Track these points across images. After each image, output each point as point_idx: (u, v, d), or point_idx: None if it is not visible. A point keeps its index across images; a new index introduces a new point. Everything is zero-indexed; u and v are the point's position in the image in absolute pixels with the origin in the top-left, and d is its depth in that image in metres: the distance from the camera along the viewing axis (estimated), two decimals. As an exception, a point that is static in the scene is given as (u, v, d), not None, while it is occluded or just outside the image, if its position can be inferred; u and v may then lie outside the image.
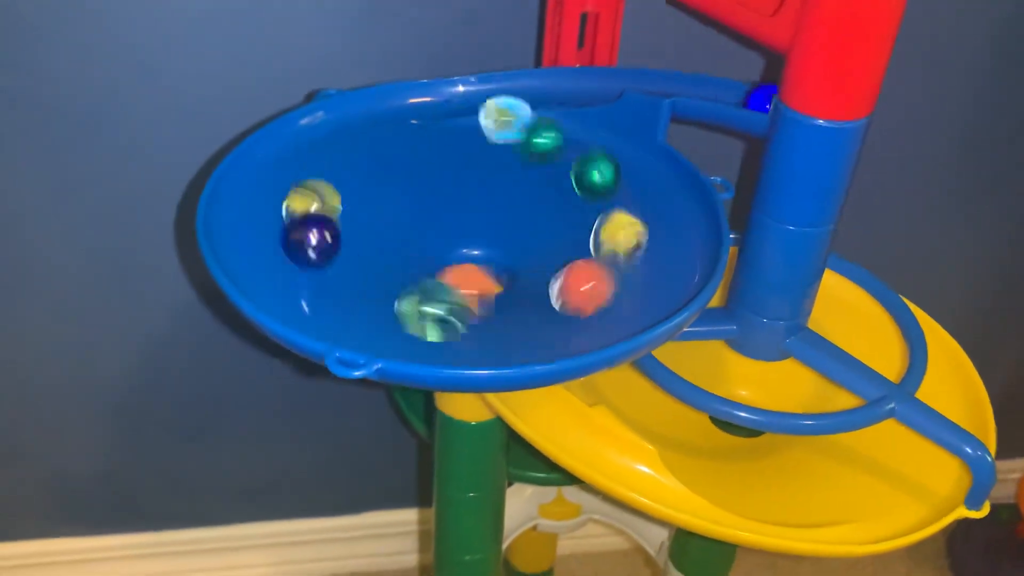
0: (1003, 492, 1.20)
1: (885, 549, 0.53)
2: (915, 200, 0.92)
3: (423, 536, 1.13)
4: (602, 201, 0.60)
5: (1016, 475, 1.18)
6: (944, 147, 0.88)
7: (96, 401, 0.93)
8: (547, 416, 0.57)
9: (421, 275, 0.53)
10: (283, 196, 0.55)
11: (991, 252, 0.99)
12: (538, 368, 0.44)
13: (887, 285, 0.67)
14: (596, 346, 0.45)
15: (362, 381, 0.92)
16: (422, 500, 1.10)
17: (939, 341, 0.66)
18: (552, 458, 0.56)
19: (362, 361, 0.43)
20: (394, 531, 1.11)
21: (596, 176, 0.59)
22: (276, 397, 0.97)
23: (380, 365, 0.43)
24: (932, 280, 0.98)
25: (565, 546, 1.16)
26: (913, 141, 0.87)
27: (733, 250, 0.61)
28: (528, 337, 0.51)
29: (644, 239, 0.56)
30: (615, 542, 1.18)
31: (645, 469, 0.54)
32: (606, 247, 0.56)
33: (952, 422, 0.56)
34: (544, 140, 0.61)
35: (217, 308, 0.89)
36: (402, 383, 0.44)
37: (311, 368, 0.94)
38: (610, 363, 0.46)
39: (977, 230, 0.96)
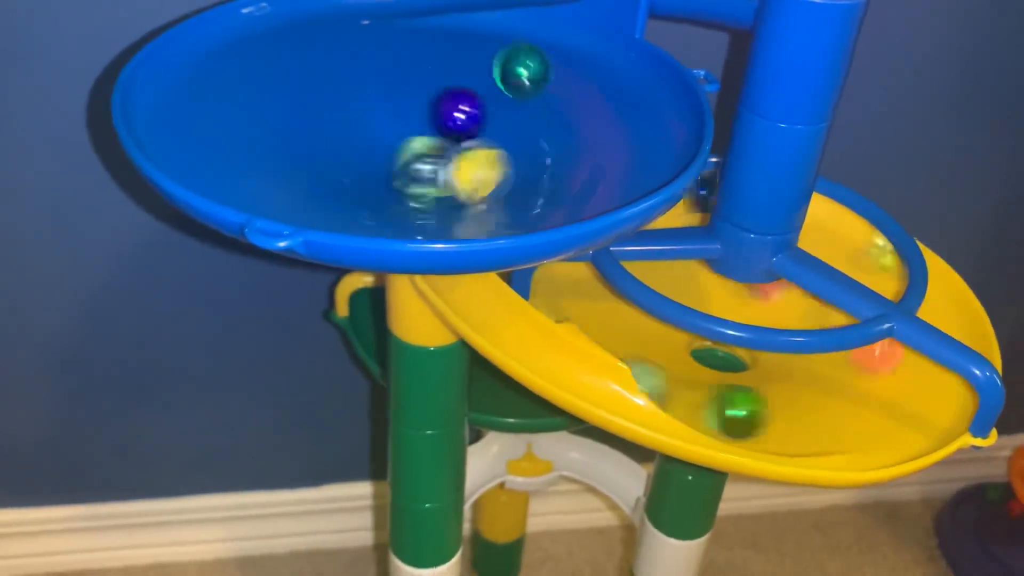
0: (992, 471, 1.18)
1: (888, 477, 0.49)
2: (910, 124, 0.86)
3: (378, 511, 1.08)
4: (533, 97, 0.55)
5: (1006, 453, 1.14)
6: (944, 51, 0.82)
7: (33, 359, 0.89)
8: (513, 334, 0.52)
9: (365, 174, 0.49)
10: (218, 88, 0.51)
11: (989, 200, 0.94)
12: (501, 243, 0.40)
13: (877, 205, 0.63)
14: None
15: (323, 335, 0.87)
16: (377, 473, 1.06)
17: (936, 270, 0.61)
18: (519, 379, 0.52)
19: (286, 232, 0.38)
20: (358, 505, 1.07)
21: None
22: (229, 354, 0.92)
23: (307, 236, 0.38)
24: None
25: (538, 523, 1.12)
26: (909, 48, 0.81)
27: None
28: (478, 228, 0.46)
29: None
30: (590, 519, 1.14)
31: (618, 388, 0.49)
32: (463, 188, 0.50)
33: (957, 340, 0.51)
34: (526, 69, 0.55)
35: (164, 251, 0.83)
36: (332, 260, 0.40)
37: (265, 323, 0.88)
38: (575, 243, 0.42)
39: (978, 164, 0.91)
